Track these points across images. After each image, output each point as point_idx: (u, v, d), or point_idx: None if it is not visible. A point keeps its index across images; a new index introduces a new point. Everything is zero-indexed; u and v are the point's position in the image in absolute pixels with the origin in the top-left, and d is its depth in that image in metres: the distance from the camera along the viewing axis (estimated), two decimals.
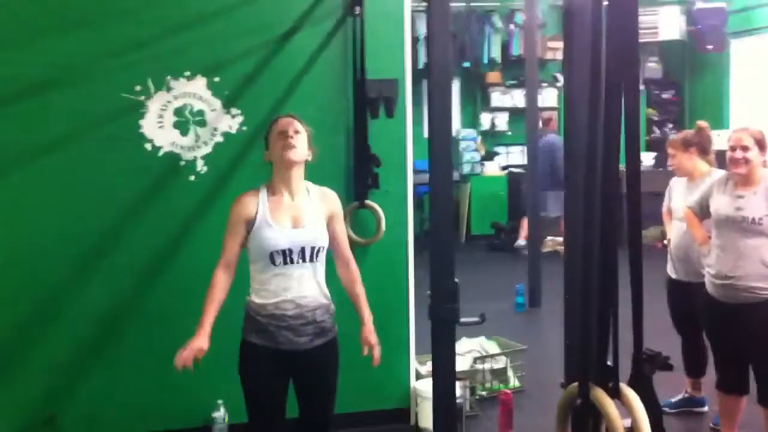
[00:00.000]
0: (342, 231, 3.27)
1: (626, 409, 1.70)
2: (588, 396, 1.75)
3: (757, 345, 3.77)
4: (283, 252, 3.00)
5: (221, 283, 3.11)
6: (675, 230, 4.53)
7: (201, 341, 3.02)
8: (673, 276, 4.56)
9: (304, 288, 3.05)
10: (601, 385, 1.74)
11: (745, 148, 3.79)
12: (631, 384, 1.73)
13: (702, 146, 4.51)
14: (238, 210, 3.08)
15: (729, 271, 3.75)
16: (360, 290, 3.28)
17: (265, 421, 3.12)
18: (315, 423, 3.22)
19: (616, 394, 1.73)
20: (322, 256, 3.12)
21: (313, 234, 3.06)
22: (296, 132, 3.09)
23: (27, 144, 4.06)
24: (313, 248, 3.05)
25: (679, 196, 4.54)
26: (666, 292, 4.66)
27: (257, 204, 3.07)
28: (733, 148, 3.83)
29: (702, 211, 4.08)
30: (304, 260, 3.03)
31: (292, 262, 3.01)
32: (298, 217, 3.06)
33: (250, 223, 3.05)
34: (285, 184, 3.09)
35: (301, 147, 3.09)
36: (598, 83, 1.92)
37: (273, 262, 3.01)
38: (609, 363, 1.75)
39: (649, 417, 1.65)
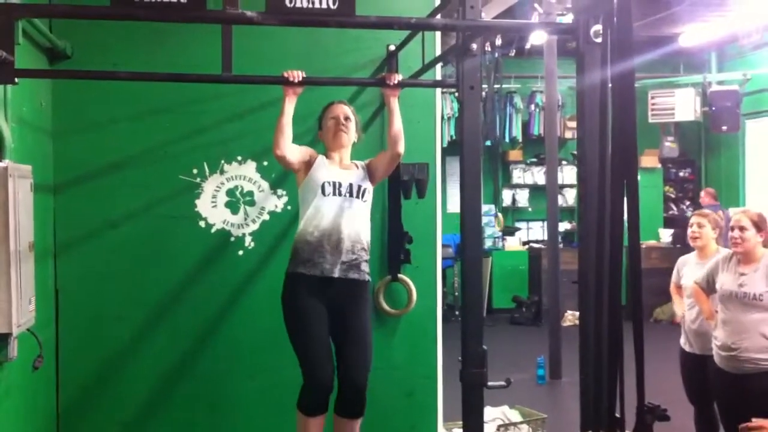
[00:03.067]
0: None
1: None
2: None
3: (761, 412, 4.03)
4: (333, 183, 3.56)
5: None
6: (690, 306, 4.77)
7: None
8: (688, 349, 4.80)
9: (347, 219, 3.56)
10: None
11: (742, 229, 4.14)
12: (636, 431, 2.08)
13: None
14: (312, 150, 3.80)
15: (732, 343, 4.04)
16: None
17: (315, 346, 3.49)
18: (353, 376, 3.53)
19: None
20: (368, 197, 3.68)
21: (360, 177, 3.73)
22: (347, 119, 3.73)
23: (101, 218, 4.49)
24: (359, 187, 3.63)
25: (689, 273, 4.81)
26: (680, 364, 4.88)
27: (317, 156, 3.75)
28: (732, 229, 4.19)
29: (709, 286, 4.39)
30: (351, 195, 3.58)
31: (340, 194, 3.56)
32: (348, 168, 3.75)
33: (310, 163, 3.70)
34: (335, 159, 3.77)
35: (350, 132, 3.76)
36: (604, 171, 2.28)
37: (323, 193, 3.55)
38: (617, 414, 2.10)
39: None
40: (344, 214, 3.59)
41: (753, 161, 12.00)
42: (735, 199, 11.48)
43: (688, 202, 12.87)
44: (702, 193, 11.14)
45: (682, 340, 4.85)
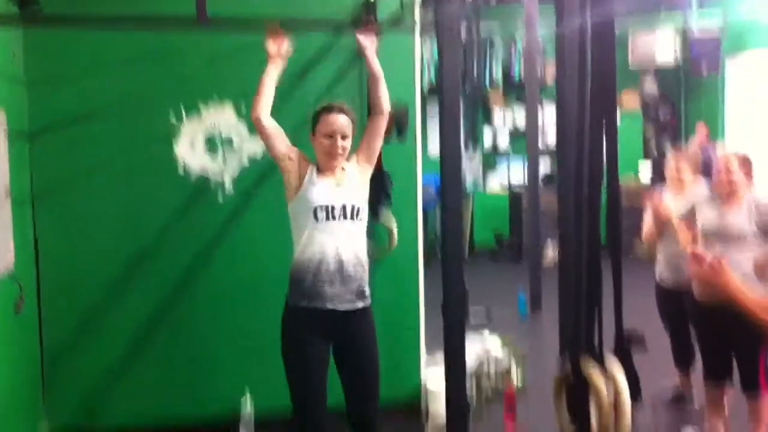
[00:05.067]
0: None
1: (609, 377, 2.08)
2: (578, 366, 2.13)
3: (740, 338, 4.12)
4: (326, 208, 3.19)
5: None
6: (666, 240, 4.86)
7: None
8: (663, 283, 4.92)
9: (344, 243, 3.20)
10: (589, 358, 2.13)
11: (730, 171, 4.15)
12: (614, 356, 2.14)
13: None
14: (302, 154, 3.35)
15: None
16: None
17: (314, 397, 3.17)
18: (363, 408, 3.27)
19: (601, 365, 2.12)
20: (363, 215, 3.31)
21: (355, 193, 3.28)
22: (344, 137, 3.23)
23: (78, 166, 4.48)
24: (353, 207, 3.24)
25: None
26: (656, 296, 5.02)
27: (308, 166, 3.31)
28: (719, 171, 4.21)
29: (690, 220, 4.43)
30: (345, 217, 3.21)
31: (334, 218, 3.19)
32: (341, 180, 3.28)
33: (300, 175, 3.29)
34: (327, 169, 3.31)
35: (346, 151, 3.28)
36: (584, 108, 2.29)
37: (316, 218, 3.19)
38: (595, 340, 2.15)
39: (629, 383, 2.04)
40: (341, 239, 3.22)
41: (733, 101, 12.03)
42: (715, 135, 11.52)
43: (667, 143, 12.90)
44: (699, 127, 11.14)
45: (658, 274, 4.94)
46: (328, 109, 3.26)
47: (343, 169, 3.33)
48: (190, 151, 4.57)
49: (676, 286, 4.79)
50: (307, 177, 3.26)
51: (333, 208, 3.20)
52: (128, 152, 4.53)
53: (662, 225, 4.85)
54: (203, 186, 4.62)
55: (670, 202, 4.86)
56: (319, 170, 3.30)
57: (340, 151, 3.20)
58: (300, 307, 3.18)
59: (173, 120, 4.55)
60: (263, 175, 4.69)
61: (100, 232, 4.52)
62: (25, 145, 4.35)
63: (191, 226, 4.63)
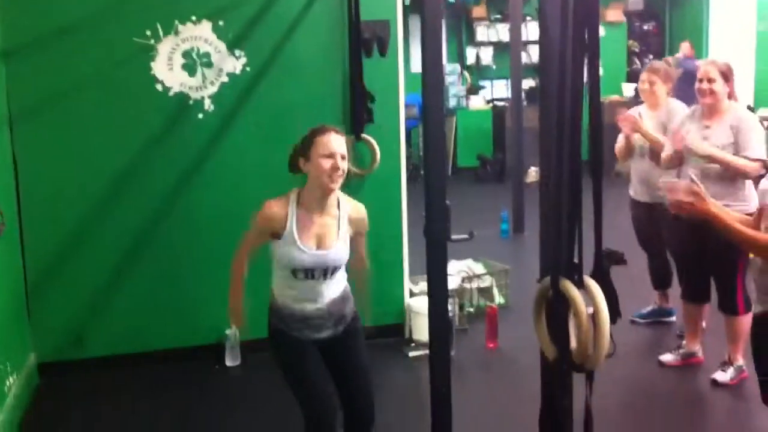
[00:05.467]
0: (364, 242, 3.20)
1: (589, 297, 2.10)
2: (558, 287, 2.15)
3: (717, 257, 4.18)
4: (305, 270, 2.95)
5: (241, 269, 3.16)
6: (637, 156, 4.86)
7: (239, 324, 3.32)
8: (637, 198, 4.94)
9: (324, 295, 3.02)
10: (568, 277, 2.14)
11: (711, 80, 4.14)
12: (593, 276, 2.15)
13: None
14: (265, 220, 2.96)
15: None
16: (365, 279, 3.28)
17: (315, 380, 3.02)
18: (362, 419, 3.13)
19: (581, 284, 2.13)
20: (344, 263, 3.06)
21: (338, 255, 2.98)
22: (343, 158, 2.89)
23: (55, 86, 4.38)
24: (335, 267, 3.01)
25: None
26: (630, 213, 5.03)
27: (286, 218, 2.93)
28: (700, 80, 4.18)
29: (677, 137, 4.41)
30: (325, 277, 2.99)
31: (313, 278, 2.97)
32: (325, 237, 2.95)
33: (276, 235, 2.95)
34: (318, 203, 2.95)
35: (344, 173, 2.92)
36: (566, 23, 2.24)
37: (295, 276, 2.97)
38: (575, 260, 2.15)
39: (607, 302, 2.06)
40: (321, 291, 3.00)
41: (717, 12, 11.95)
42: (699, 50, 11.49)
43: (651, 56, 12.82)
44: (684, 45, 11.04)
45: (632, 190, 4.96)
46: (323, 131, 2.93)
47: (334, 213, 3.01)
48: (167, 68, 4.48)
49: (648, 201, 4.82)
50: (287, 231, 2.93)
51: (313, 271, 2.97)
52: (105, 71, 4.42)
53: (632, 140, 4.82)
54: (182, 103, 4.54)
55: (643, 117, 4.83)
56: (306, 208, 2.96)
57: (340, 172, 2.87)
58: (284, 332, 3.07)
59: (150, 38, 4.44)
60: (245, 91, 4.62)
61: (80, 154, 4.45)
62: (1, 66, 4.24)
63: (172, 145, 4.56)
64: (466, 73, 11.81)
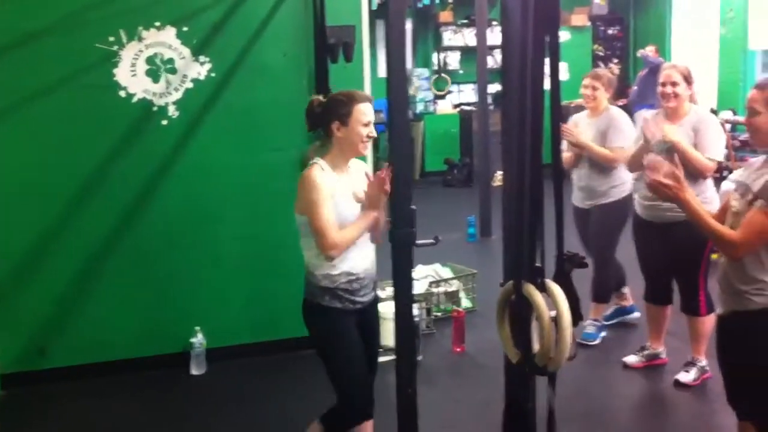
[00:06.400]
0: None
1: (551, 300, 2.12)
2: (521, 290, 2.16)
3: (680, 259, 4.23)
4: None
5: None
6: (579, 163, 4.87)
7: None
8: (577, 204, 4.96)
9: (368, 250, 3.13)
10: (531, 281, 2.16)
11: (674, 84, 4.21)
12: (555, 279, 2.17)
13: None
14: (322, 187, 2.95)
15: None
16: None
17: (363, 374, 3.13)
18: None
19: (543, 288, 2.15)
20: None
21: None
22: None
23: (19, 91, 4.32)
24: None
25: (582, 131, 4.84)
26: (573, 218, 4.98)
27: (331, 181, 3.00)
28: (663, 84, 4.25)
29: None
30: None
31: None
32: (356, 192, 3.07)
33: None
34: (345, 163, 3.07)
35: None
36: (527, 27, 2.26)
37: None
38: (537, 264, 2.17)
39: (569, 305, 2.08)
40: (364, 249, 3.11)
41: (680, 16, 12.13)
42: (663, 54, 11.61)
43: (616, 60, 12.98)
44: (649, 48, 11.15)
45: (573, 196, 4.97)
46: (362, 98, 3.04)
47: (356, 171, 3.15)
48: (130, 74, 4.44)
49: (587, 207, 4.86)
50: (337, 192, 3.00)
51: None
52: (69, 77, 4.37)
53: (576, 148, 4.84)
54: (146, 110, 4.50)
55: (583, 125, 4.87)
56: (337, 168, 3.05)
57: (373, 135, 3.06)
58: (334, 308, 3.08)
59: (113, 44, 4.40)
60: (210, 96, 4.60)
61: (43, 161, 4.39)
62: None
63: (136, 152, 4.52)
64: (445, 75, 11.84)
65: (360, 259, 3.09)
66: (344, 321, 3.10)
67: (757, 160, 2.87)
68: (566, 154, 4.87)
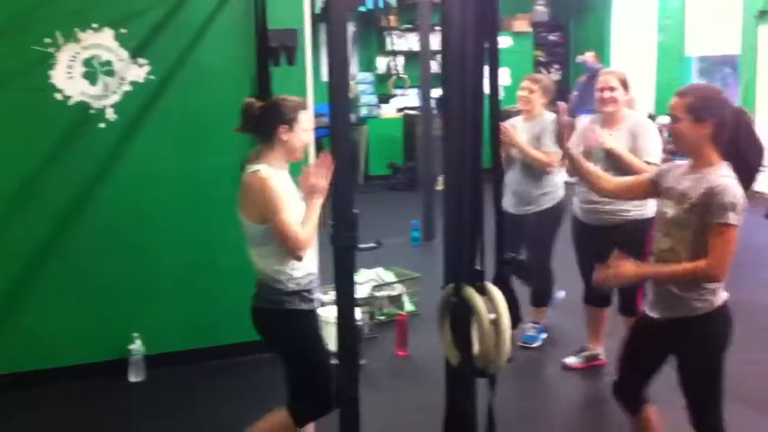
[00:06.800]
0: None
1: (491, 303, 2.14)
2: (461, 293, 2.18)
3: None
4: None
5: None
6: (511, 167, 4.89)
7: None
8: (510, 210, 4.84)
9: (312, 250, 3.16)
10: (471, 284, 2.18)
11: (612, 89, 4.29)
12: (495, 283, 2.19)
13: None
14: (279, 187, 2.99)
15: (594, 197, 4.18)
16: None
17: (330, 375, 3.17)
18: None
19: (483, 291, 2.17)
20: None
21: None
22: None
23: None
24: None
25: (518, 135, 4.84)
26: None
27: (284, 183, 3.04)
28: (601, 90, 4.33)
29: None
30: None
31: None
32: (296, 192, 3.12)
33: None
34: (285, 167, 3.11)
35: None
36: (466, 37, 2.28)
37: None
38: (477, 267, 2.19)
39: (509, 308, 2.10)
40: (312, 248, 3.15)
41: (619, 23, 12.38)
42: (603, 60, 11.81)
43: (557, 66, 13.17)
44: (588, 54, 11.29)
45: (504, 201, 4.86)
46: (304, 105, 3.13)
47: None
48: (66, 77, 4.35)
49: (518, 213, 4.83)
50: (288, 188, 3.05)
51: None
52: (2, 80, 4.25)
53: (512, 152, 4.84)
54: (83, 113, 4.41)
55: (518, 129, 4.85)
56: (281, 168, 3.09)
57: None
58: (303, 310, 3.11)
59: (49, 46, 4.31)
60: (149, 99, 4.52)
61: None
62: None
63: (73, 156, 4.42)
64: (405, 76, 11.87)
65: (313, 257, 3.17)
66: (315, 323, 3.18)
67: (682, 163, 2.94)
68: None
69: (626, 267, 2.77)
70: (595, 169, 3.37)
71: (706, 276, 2.74)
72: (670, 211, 2.85)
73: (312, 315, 3.15)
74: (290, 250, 2.95)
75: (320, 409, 3.19)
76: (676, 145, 2.94)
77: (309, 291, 3.11)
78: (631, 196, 3.46)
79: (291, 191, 3.07)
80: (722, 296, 2.83)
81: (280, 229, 2.92)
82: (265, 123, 3.06)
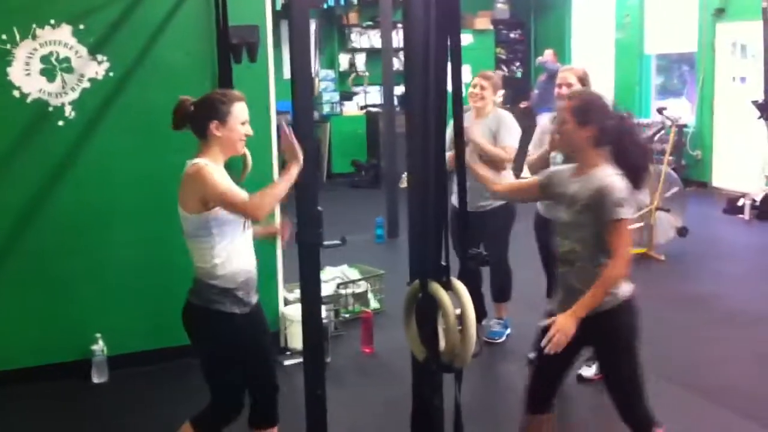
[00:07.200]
0: None
1: (456, 297, 2.15)
2: (427, 289, 2.19)
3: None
4: (244, 221, 3.05)
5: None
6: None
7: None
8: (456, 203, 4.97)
9: (252, 250, 3.14)
10: (436, 280, 2.18)
11: (569, 85, 4.34)
12: (460, 278, 2.20)
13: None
14: (218, 173, 2.96)
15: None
16: None
17: (240, 386, 3.15)
18: (273, 385, 3.22)
19: (448, 286, 2.18)
20: None
21: None
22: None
23: None
24: None
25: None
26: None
27: (223, 175, 3.01)
28: (560, 86, 4.38)
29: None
30: (246, 227, 3.10)
31: (245, 228, 3.08)
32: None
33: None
34: (224, 162, 3.07)
35: None
36: (428, 34, 2.29)
37: (244, 228, 3.06)
38: (443, 263, 2.20)
39: (473, 302, 2.12)
40: (251, 247, 3.14)
41: (579, 21, 12.51)
42: (562, 57, 11.94)
43: (518, 63, 13.26)
44: (547, 52, 11.37)
45: (455, 197, 4.97)
46: (238, 98, 3.07)
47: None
48: (24, 74, 4.28)
49: (472, 210, 4.81)
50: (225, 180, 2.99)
51: (245, 222, 3.07)
52: None
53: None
54: (41, 110, 4.34)
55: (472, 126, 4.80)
56: (217, 163, 3.03)
57: (250, 134, 3.11)
58: (234, 314, 3.04)
59: (6, 42, 4.23)
60: (108, 96, 4.47)
61: None
62: None
63: (32, 153, 4.36)
64: (365, 74, 11.84)
65: (250, 255, 3.11)
66: (247, 326, 3.08)
67: (567, 167, 3.02)
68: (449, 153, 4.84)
69: (564, 324, 2.77)
70: (486, 173, 3.52)
71: (619, 278, 2.84)
72: (564, 215, 2.93)
73: (245, 318, 3.05)
74: (247, 212, 2.93)
75: (227, 417, 3.13)
76: (563, 146, 3.02)
77: (242, 291, 3.04)
78: (521, 199, 3.67)
79: (233, 185, 3.00)
80: (626, 289, 2.91)
81: (228, 200, 2.89)
82: (196, 120, 3.03)
